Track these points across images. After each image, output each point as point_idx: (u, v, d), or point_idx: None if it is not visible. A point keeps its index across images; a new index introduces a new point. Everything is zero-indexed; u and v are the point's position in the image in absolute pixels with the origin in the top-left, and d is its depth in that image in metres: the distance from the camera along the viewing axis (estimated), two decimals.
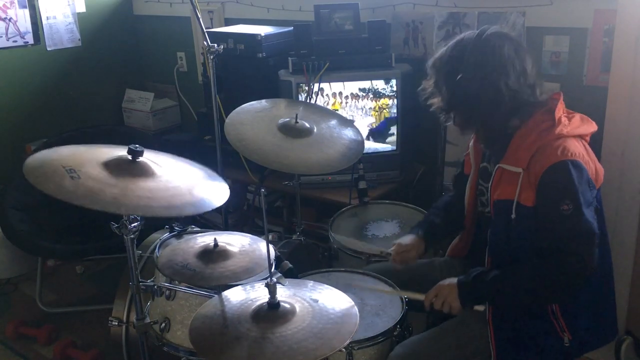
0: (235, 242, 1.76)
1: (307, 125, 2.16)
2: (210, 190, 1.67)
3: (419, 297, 1.76)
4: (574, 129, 1.62)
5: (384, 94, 2.66)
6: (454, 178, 2.09)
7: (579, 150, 1.58)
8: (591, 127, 1.68)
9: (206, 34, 2.43)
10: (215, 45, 2.43)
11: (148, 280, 1.82)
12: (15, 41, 3.36)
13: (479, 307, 1.68)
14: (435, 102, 1.74)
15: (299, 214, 2.52)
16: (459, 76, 1.61)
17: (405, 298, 1.80)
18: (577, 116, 1.68)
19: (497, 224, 1.69)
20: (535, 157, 1.58)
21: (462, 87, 1.62)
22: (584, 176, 1.55)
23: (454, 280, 1.70)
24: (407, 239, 1.95)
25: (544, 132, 1.60)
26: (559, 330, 1.64)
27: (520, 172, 1.60)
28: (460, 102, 1.66)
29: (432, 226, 1.98)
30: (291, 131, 2.12)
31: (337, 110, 2.67)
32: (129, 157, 1.61)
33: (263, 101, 2.30)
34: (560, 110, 1.64)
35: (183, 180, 1.65)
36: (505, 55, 1.60)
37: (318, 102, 2.65)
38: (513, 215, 1.60)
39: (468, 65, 1.61)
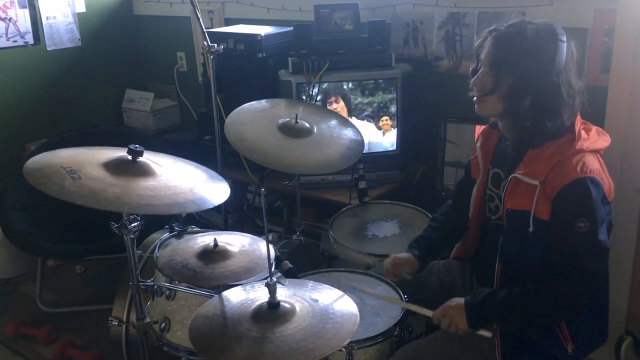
0: (235, 242, 1.76)
1: (307, 125, 2.16)
2: (211, 188, 1.67)
3: (427, 313, 1.72)
4: (592, 144, 1.59)
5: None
6: (457, 185, 2.03)
7: (596, 166, 1.56)
8: (606, 141, 1.65)
9: (206, 34, 2.43)
10: (215, 45, 2.44)
11: (148, 280, 1.82)
12: (15, 41, 3.36)
13: (487, 333, 1.63)
14: (481, 80, 1.63)
15: (299, 214, 2.52)
16: (528, 62, 1.53)
17: (403, 310, 1.78)
18: (594, 129, 1.65)
19: (510, 234, 1.65)
20: (553, 172, 1.54)
21: (528, 72, 1.53)
22: (600, 193, 1.53)
23: (461, 300, 1.65)
24: (403, 255, 1.93)
25: (564, 146, 1.57)
26: (562, 340, 1.63)
27: (537, 184, 1.56)
28: (525, 88, 1.55)
29: (428, 244, 1.96)
30: (291, 131, 2.12)
31: None
32: (129, 157, 1.61)
33: (263, 101, 2.31)
34: (579, 123, 1.62)
35: (183, 179, 1.66)
36: (572, 53, 1.57)
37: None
38: (531, 229, 1.57)
39: (538, 51, 1.53)
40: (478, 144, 1.85)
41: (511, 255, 1.66)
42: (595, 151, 1.61)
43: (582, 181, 1.51)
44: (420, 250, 1.94)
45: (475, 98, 1.67)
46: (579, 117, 1.63)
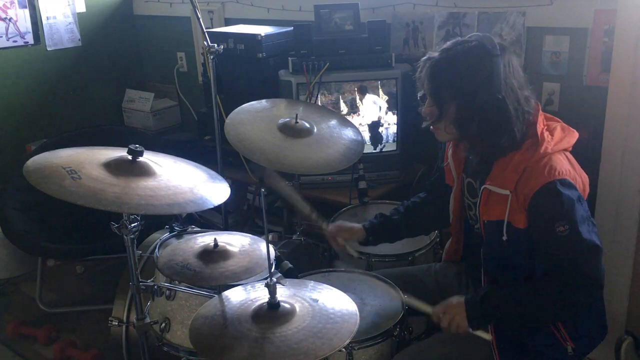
0: (235, 242, 1.76)
1: (307, 125, 2.16)
2: (211, 188, 1.67)
3: (426, 309, 1.72)
4: (557, 144, 1.57)
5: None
6: (431, 183, 2.01)
7: (565, 166, 1.54)
8: (573, 138, 1.63)
9: (206, 34, 2.43)
10: (215, 45, 2.44)
11: (148, 280, 1.82)
12: (15, 41, 3.36)
13: (486, 336, 1.62)
14: (428, 109, 1.65)
15: (299, 214, 2.52)
16: (467, 87, 1.53)
17: (406, 306, 1.78)
18: (559, 127, 1.62)
19: (489, 244, 1.65)
20: (522, 180, 1.53)
21: (470, 99, 1.54)
22: (574, 193, 1.51)
23: (462, 298, 1.65)
24: (352, 224, 1.99)
25: (528, 152, 1.55)
26: (561, 340, 1.62)
27: (508, 194, 1.55)
28: (466, 115, 1.56)
29: (386, 222, 1.97)
30: (291, 131, 2.12)
31: None
32: (129, 157, 1.61)
33: (263, 101, 2.30)
34: (541, 124, 1.59)
35: (184, 179, 1.66)
36: (510, 64, 1.55)
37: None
38: (505, 237, 1.56)
39: (475, 75, 1.53)
40: (450, 152, 1.84)
41: (493, 264, 1.66)
42: (563, 150, 1.59)
43: (551, 185, 1.49)
44: (376, 224, 1.97)
45: (430, 127, 1.67)
46: (541, 118, 1.60)
